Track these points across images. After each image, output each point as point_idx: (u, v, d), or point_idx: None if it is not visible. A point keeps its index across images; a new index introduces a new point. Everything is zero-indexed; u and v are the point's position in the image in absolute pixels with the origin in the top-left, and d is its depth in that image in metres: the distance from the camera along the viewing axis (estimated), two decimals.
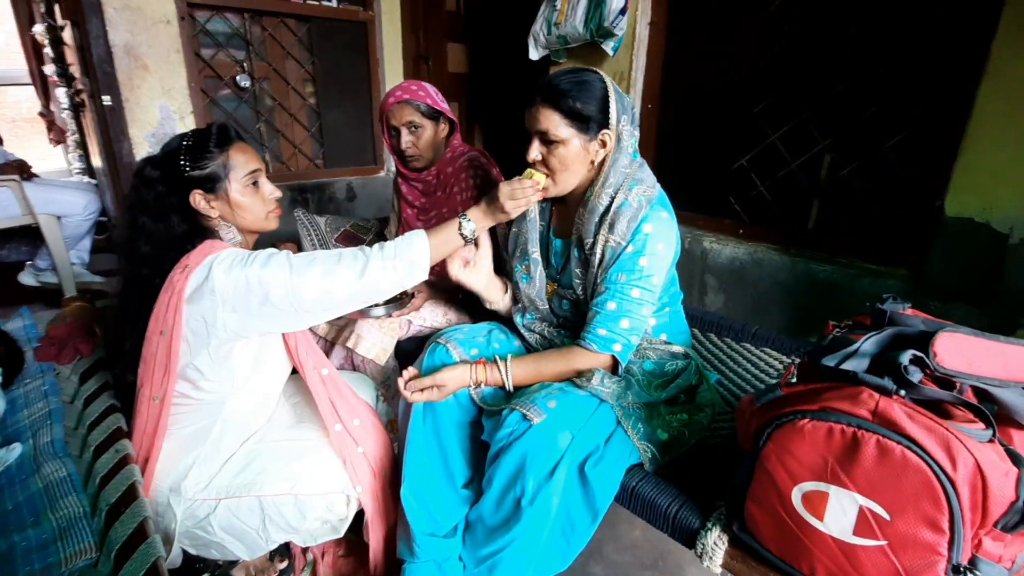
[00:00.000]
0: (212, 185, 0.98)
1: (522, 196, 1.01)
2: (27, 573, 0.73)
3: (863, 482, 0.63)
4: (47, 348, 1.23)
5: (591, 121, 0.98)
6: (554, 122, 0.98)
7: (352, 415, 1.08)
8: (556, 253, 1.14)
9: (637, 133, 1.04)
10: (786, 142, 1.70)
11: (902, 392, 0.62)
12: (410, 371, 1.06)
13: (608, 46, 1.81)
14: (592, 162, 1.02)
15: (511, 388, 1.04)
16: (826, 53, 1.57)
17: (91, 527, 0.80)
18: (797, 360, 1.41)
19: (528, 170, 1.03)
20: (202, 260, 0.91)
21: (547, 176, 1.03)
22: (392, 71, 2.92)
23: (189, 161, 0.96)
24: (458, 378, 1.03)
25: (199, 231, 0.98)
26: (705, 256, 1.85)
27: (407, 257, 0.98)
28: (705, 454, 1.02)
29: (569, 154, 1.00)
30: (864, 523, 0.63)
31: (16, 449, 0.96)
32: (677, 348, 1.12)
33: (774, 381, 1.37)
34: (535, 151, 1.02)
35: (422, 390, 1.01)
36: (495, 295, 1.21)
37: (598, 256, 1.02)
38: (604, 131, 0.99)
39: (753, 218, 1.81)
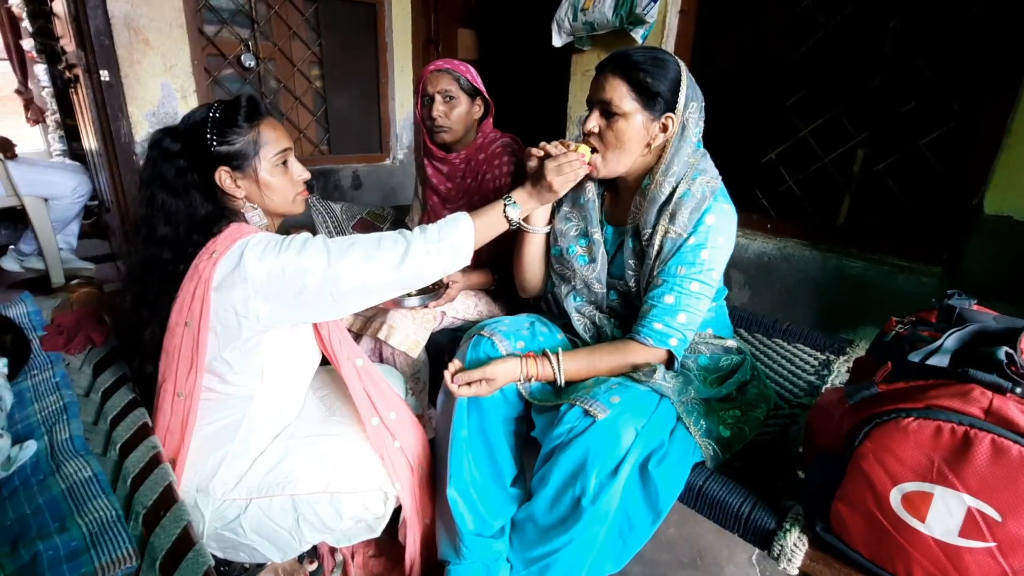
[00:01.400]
0: (240, 163, 0.90)
1: (569, 171, 0.95)
2: None
3: (974, 483, 0.60)
4: (54, 337, 1.14)
5: (659, 99, 0.94)
6: (620, 93, 0.94)
7: (388, 408, 1.03)
8: (607, 241, 1.09)
9: (702, 124, 1.00)
10: (817, 136, 1.68)
11: (1018, 390, 0.60)
12: (456, 364, 1.01)
13: (637, 34, 1.76)
14: (648, 145, 0.98)
15: (562, 383, 1.00)
16: (863, 46, 1.55)
17: (127, 532, 0.73)
18: (832, 356, 1.39)
19: (574, 143, 0.98)
20: (231, 245, 0.85)
21: (595, 152, 0.98)
22: (401, 56, 2.83)
23: (216, 135, 0.88)
24: (508, 372, 0.98)
25: (223, 212, 0.91)
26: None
27: (451, 241, 0.93)
28: (756, 452, 1.00)
29: (628, 130, 0.95)
30: (972, 524, 0.61)
31: (31, 447, 0.88)
32: (730, 343, 1.09)
33: (811, 377, 1.35)
34: (593, 121, 0.97)
35: (469, 384, 0.97)
36: (543, 218, 1.13)
37: (656, 247, 0.98)
38: (668, 114, 0.95)
39: (781, 213, 1.79)
